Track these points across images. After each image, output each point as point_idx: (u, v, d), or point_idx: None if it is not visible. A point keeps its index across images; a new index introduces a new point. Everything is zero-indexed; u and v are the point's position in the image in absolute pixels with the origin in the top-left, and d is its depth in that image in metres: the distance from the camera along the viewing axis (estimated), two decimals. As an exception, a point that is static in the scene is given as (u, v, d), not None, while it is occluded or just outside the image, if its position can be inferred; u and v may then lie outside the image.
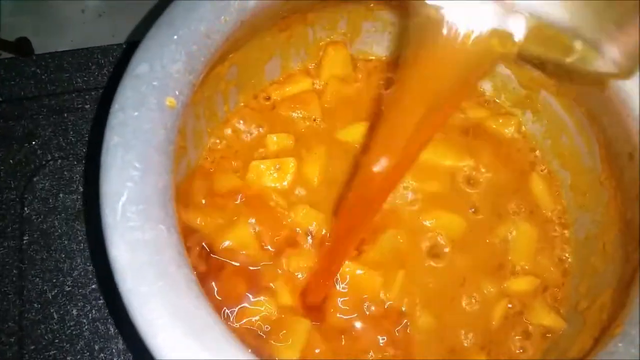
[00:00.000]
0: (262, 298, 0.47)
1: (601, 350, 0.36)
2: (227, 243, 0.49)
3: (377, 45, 0.57)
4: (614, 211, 0.47)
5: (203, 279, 0.47)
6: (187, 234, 0.48)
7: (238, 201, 0.51)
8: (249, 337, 0.46)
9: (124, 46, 0.65)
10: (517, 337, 0.49)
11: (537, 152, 0.55)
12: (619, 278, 0.43)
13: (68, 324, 0.55)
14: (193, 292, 0.33)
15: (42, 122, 0.63)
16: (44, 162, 0.61)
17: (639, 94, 0.41)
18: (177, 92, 0.36)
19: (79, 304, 0.56)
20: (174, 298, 0.32)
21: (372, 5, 0.53)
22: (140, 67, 0.36)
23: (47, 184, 0.60)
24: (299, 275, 0.49)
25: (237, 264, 0.49)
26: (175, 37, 0.38)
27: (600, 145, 0.48)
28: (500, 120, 0.56)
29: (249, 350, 0.32)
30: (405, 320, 0.48)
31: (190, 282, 0.33)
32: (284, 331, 0.46)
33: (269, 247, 0.50)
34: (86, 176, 0.59)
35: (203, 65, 0.38)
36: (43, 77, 0.65)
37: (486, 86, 0.57)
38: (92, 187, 0.38)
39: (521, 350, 0.49)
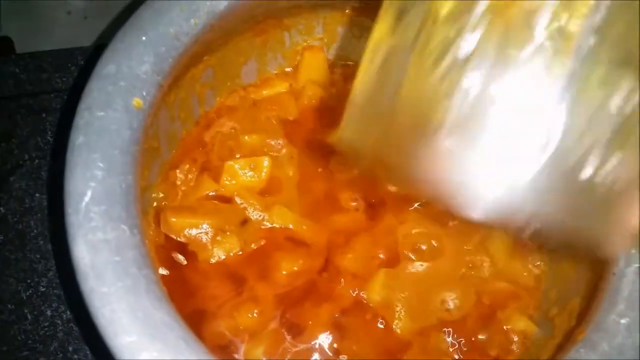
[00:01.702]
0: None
1: (564, 357, 0.36)
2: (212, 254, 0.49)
3: (354, 50, 0.58)
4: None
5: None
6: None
7: (213, 204, 0.51)
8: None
9: (92, 49, 0.65)
10: (494, 340, 0.49)
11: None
12: (587, 285, 0.44)
13: (42, 325, 0.55)
14: (154, 293, 0.33)
15: (19, 122, 0.63)
16: (20, 162, 0.61)
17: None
18: (144, 93, 0.36)
19: (54, 305, 0.56)
20: (134, 299, 0.32)
21: (347, 11, 0.53)
22: (108, 68, 0.37)
23: (23, 184, 0.60)
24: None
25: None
26: (144, 38, 0.38)
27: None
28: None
29: (210, 352, 0.32)
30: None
31: (151, 284, 0.33)
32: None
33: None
34: (51, 175, 0.59)
35: (172, 66, 0.38)
36: (22, 76, 0.65)
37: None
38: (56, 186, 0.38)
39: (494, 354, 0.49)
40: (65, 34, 0.92)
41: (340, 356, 0.46)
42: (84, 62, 0.65)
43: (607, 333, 0.36)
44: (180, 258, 0.49)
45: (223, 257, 0.49)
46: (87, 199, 0.34)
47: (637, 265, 0.38)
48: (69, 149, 0.35)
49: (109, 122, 0.35)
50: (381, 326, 0.48)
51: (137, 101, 0.36)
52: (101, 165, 0.34)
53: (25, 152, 0.62)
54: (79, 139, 0.35)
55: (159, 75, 0.38)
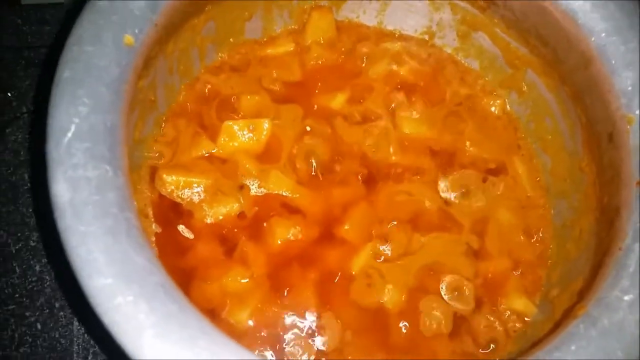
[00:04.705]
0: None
1: (561, 332, 0.34)
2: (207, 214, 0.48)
3: (364, 13, 0.56)
4: (591, 197, 0.45)
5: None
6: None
7: (209, 164, 0.50)
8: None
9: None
10: (489, 319, 0.47)
11: (520, 134, 0.53)
12: (591, 266, 0.42)
13: (30, 279, 0.54)
14: (134, 237, 0.31)
15: (19, 74, 0.62)
16: (18, 115, 0.60)
17: (623, 68, 0.40)
18: (136, 30, 0.35)
19: (43, 260, 0.55)
20: (113, 240, 0.31)
21: (359, -31, 0.51)
22: (101, 1, 0.35)
23: (19, 137, 0.59)
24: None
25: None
26: (141, -25, 0.36)
27: (582, 127, 0.46)
28: (485, 100, 0.54)
29: (185, 300, 0.30)
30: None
31: (132, 227, 0.31)
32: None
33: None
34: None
35: (168, 6, 0.36)
36: (24, 28, 0.63)
37: (473, 64, 0.55)
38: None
39: (490, 336, 0.47)
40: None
41: (324, 321, 0.45)
42: (63, 19, 0.63)
43: (608, 309, 0.34)
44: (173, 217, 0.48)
45: (221, 217, 0.48)
46: (70, 134, 0.32)
47: (646, 240, 0.36)
48: (54, 84, 0.34)
49: (98, 58, 0.34)
50: (369, 296, 0.46)
51: (128, 38, 0.35)
52: (86, 101, 0.33)
53: (23, 105, 0.60)
54: (65, 73, 0.33)
55: (153, 13, 0.36)
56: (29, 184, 0.57)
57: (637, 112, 0.40)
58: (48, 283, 0.54)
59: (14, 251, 0.55)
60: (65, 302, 0.53)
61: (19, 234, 0.55)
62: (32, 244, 0.55)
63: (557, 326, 0.37)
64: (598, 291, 0.36)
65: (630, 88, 0.40)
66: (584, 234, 0.45)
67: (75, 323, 0.52)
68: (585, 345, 0.34)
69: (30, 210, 0.56)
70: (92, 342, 0.51)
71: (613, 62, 0.41)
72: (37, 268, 0.54)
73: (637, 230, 0.37)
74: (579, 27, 0.42)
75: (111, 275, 0.30)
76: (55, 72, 0.34)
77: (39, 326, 0.52)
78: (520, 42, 0.49)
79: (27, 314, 0.52)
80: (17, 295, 0.53)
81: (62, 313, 0.53)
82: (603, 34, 0.41)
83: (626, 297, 0.35)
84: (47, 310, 0.53)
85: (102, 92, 0.33)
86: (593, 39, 0.41)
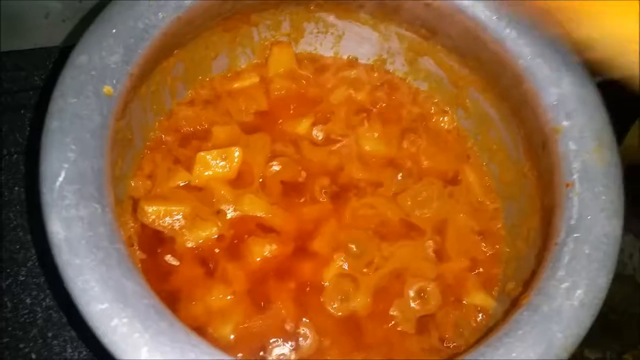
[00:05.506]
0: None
1: (509, 320, 0.39)
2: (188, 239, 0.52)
3: (320, 45, 0.60)
4: (535, 200, 0.50)
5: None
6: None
7: (186, 193, 0.53)
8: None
9: (60, 50, 0.67)
10: (453, 315, 0.52)
11: (470, 146, 0.58)
12: (538, 261, 0.47)
13: (21, 312, 0.56)
14: (125, 265, 0.35)
15: (-2, 119, 0.65)
16: (-1, 157, 0.63)
17: (549, 85, 0.45)
18: (114, 81, 0.39)
19: (33, 293, 0.57)
20: (106, 270, 0.34)
21: (312, 7, 0.56)
22: (80, 58, 0.39)
23: (2, 178, 0.62)
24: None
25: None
26: (114, 31, 0.40)
27: (522, 138, 0.51)
28: (436, 117, 0.59)
29: (173, 317, 0.34)
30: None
31: (122, 256, 0.35)
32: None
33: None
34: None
35: (141, 57, 0.41)
36: (0, 75, 0.66)
37: (423, 86, 0.60)
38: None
39: (455, 331, 0.51)
40: (42, 37, 0.93)
41: (302, 331, 0.49)
42: (53, 63, 0.67)
43: (547, 297, 0.39)
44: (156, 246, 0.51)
45: (201, 241, 0.51)
46: (61, 179, 0.36)
47: (577, 234, 0.41)
48: (44, 134, 0.37)
49: (81, 108, 0.38)
50: (341, 303, 0.50)
51: (107, 89, 0.39)
52: (74, 147, 0.37)
53: (4, 148, 0.63)
54: (52, 124, 0.37)
55: (128, 65, 0.40)
56: (14, 223, 0.60)
57: (563, 123, 0.45)
58: (40, 315, 0.57)
59: (4, 287, 0.57)
60: (57, 332, 0.56)
61: (8, 270, 0.58)
62: (22, 278, 0.58)
63: (506, 315, 0.41)
64: (539, 282, 0.41)
65: (555, 102, 0.45)
66: (532, 232, 0.50)
67: (69, 350, 0.55)
68: (530, 329, 0.39)
69: (17, 247, 0.59)
70: (85, 366, 0.54)
71: (540, 80, 0.46)
72: (28, 301, 0.57)
73: (568, 227, 0.42)
74: (507, 52, 0.47)
75: (107, 300, 0.34)
76: (42, 122, 0.38)
77: (33, 356, 0.55)
78: (462, 64, 0.55)
79: (21, 345, 0.55)
80: (10, 329, 0.56)
81: (55, 342, 0.56)
82: (529, 57, 0.46)
83: (562, 285, 0.40)
84: (41, 341, 0.55)
85: (87, 139, 0.37)
86: (521, 61, 0.47)
